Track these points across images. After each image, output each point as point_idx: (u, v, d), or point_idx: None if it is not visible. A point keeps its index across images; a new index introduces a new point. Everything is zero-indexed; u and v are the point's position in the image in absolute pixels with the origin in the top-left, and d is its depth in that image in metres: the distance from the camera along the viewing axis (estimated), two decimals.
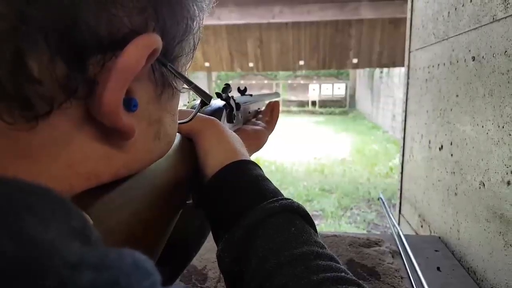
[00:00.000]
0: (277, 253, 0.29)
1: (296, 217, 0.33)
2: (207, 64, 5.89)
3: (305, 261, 0.28)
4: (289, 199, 0.34)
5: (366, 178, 5.06)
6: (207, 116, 0.41)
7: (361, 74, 13.59)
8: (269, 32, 5.33)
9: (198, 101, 0.42)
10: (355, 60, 5.26)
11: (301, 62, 5.62)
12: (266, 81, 15.90)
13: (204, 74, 11.73)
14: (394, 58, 5.10)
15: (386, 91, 9.58)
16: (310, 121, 12.09)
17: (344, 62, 5.47)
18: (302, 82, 15.71)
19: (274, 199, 0.33)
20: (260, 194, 0.34)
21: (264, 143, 0.59)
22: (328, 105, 14.79)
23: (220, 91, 0.50)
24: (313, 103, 14.88)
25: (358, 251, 0.82)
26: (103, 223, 0.21)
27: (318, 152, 6.87)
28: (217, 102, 0.47)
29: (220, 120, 0.44)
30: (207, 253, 0.82)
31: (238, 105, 0.51)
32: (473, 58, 0.79)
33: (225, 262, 0.32)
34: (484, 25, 0.75)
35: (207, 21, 4.40)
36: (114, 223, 0.23)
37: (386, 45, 5.00)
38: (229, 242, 0.32)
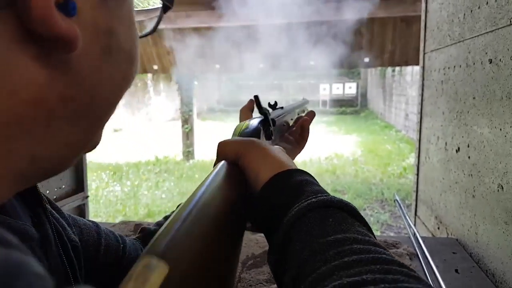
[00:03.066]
0: (310, 243, 0.28)
1: (336, 210, 0.31)
2: (217, 66, 5.92)
3: (339, 246, 0.27)
4: (331, 196, 0.33)
5: (379, 178, 5.02)
6: (247, 138, 0.42)
7: (372, 73, 13.47)
8: (278, 32, 5.34)
9: (255, 121, 0.43)
10: (366, 59, 5.23)
11: (312, 62, 5.60)
12: (276, 82, 15.89)
13: (214, 74, 11.78)
14: (406, 57, 5.05)
15: (398, 89, 9.48)
16: (321, 121, 12.03)
17: (355, 62, 5.43)
18: (312, 82, 15.65)
19: (313, 196, 0.32)
20: (301, 196, 0.33)
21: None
22: (339, 105, 14.71)
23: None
24: (324, 102, 14.82)
25: None
26: (178, 270, 0.20)
27: (329, 152, 6.84)
28: (253, 122, 0.48)
29: (259, 138, 0.46)
30: None
31: (273, 121, 0.53)
32: (490, 61, 0.79)
33: (272, 265, 0.32)
34: (501, 27, 0.75)
35: (218, 23, 4.40)
36: (187, 266, 0.22)
37: (398, 43, 4.95)
38: (272, 244, 0.32)
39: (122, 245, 0.48)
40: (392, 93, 10.14)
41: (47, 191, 1.33)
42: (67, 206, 1.39)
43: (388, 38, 4.94)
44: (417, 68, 7.14)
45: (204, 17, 5.22)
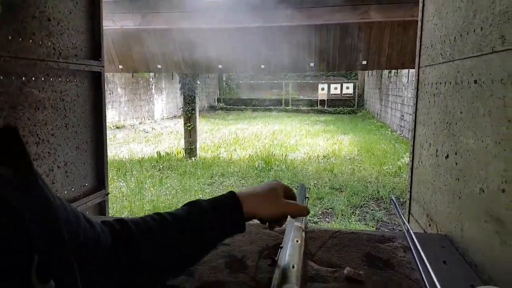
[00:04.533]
0: None
1: None
2: (220, 66, 6.02)
3: None
4: None
5: (375, 177, 5.17)
6: None
7: (369, 74, 13.62)
8: (280, 34, 5.45)
9: None
10: (364, 62, 5.36)
11: (312, 64, 5.73)
12: (275, 81, 16.01)
13: (215, 74, 11.86)
14: (403, 60, 5.19)
15: (394, 91, 9.63)
16: (319, 121, 12.18)
17: (353, 64, 5.57)
18: (311, 81, 15.78)
19: None
20: None
21: None
22: (337, 104, 14.87)
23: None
24: (322, 102, 14.98)
25: (374, 246, 0.95)
26: None
27: (327, 151, 6.98)
28: None
29: None
30: (244, 245, 0.96)
31: None
32: (475, 81, 0.91)
33: None
34: (484, 54, 0.87)
35: (222, 24, 4.54)
36: None
37: (395, 47, 5.09)
38: None
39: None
40: (389, 94, 10.30)
41: (72, 189, 1.45)
42: (90, 203, 1.51)
43: (386, 42, 5.08)
44: (413, 71, 7.28)
45: (207, 18, 5.32)
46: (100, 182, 1.58)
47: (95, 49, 1.55)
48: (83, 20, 1.49)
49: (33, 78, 1.28)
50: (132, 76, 11.16)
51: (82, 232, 0.43)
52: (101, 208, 1.59)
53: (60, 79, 1.39)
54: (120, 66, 6.06)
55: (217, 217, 0.57)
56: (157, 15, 5.68)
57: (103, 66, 1.56)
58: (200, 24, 5.41)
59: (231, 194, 0.60)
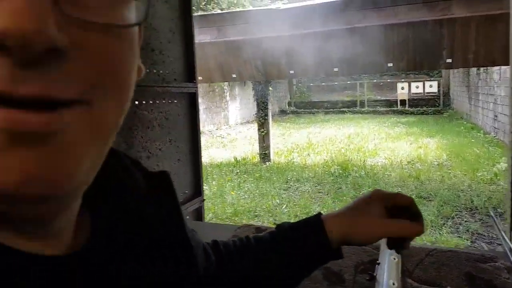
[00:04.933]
0: None
1: None
2: (291, 71, 6.09)
3: None
4: None
5: (467, 184, 4.75)
6: None
7: (455, 71, 12.48)
8: (353, 36, 5.33)
9: None
10: (449, 60, 4.96)
11: (390, 64, 5.48)
12: (349, 81, 15.56)
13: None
14: (492, 57, 4.66)
15: (485, 88, 8.70)
16: (400, 122, 11.51)
17: (437, 63, 5.19)
18: (388, 80, 15.01)
19: None
20: None
21: None
22: (419, 104, 13.87)
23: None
24: (402, 102, 14.11)
25: (475, 266, 0.92)
26: None
27: (411, 156, 6.58)
28: None
29: None
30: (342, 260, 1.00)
31: None
32: None
33: None
34: None
35: (293, 31, 4.60)
36: None
37: (482, 43, 4.62)
38: None
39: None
40: (478, 92, 9.33)
41: None
42: (189, 209, 1.69)
43: (472, 38, 4.64)
44: (505, 68, 6.52)
45: (278, 26, 5.44)
46: (197, 189, 1.76)
47: (190, 73, 1.73)
48: (180, 47, 1.69)
49: (144, 102, 1.49)
50: (209, 85, 11.84)
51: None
52: (198, 213, 1.77)
53: (164, 101, 1.59)
54: (200, 77, 6.50)
55: (297, 238, 0.53)
56: (231, 28, 5.97)
57: (197, 87, 1.74)
58: (272, 32, 5.54)
59: (316, 215, 0.56)
